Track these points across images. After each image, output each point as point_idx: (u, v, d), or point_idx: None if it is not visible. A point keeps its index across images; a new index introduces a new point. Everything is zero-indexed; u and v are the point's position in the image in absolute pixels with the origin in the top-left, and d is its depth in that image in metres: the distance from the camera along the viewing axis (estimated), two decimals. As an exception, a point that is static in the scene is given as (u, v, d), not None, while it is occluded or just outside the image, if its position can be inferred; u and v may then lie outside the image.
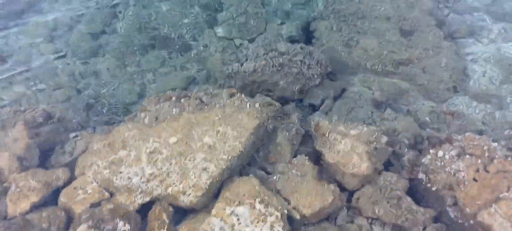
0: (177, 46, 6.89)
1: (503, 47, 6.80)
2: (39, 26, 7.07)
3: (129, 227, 3.96)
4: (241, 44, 6.85)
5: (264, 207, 3.98)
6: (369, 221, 4.41)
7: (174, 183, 4.22)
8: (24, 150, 4.71)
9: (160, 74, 6.49)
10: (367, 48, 6.64)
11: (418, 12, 7.23)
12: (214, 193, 4.32)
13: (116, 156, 4.55)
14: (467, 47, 6.84)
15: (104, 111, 5.92)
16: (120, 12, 7.42)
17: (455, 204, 4.33)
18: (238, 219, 3.90)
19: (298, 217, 4.19)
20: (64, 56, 6.65)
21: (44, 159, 4.88)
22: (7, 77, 6.22)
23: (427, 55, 6.54)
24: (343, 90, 6.17)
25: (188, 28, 7.13)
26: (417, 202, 4.46)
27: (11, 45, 6.76)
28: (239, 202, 4.05)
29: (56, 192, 4.36)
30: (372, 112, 5.64)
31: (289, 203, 4.29)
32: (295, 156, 4.85)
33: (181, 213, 4.26)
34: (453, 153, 4.63)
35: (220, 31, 7.11)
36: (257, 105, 5.03)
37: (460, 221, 4.27)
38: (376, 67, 6.43)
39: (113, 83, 6.30)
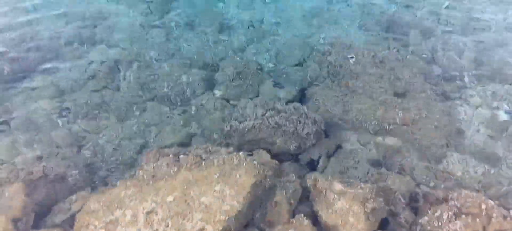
0: (177, 105, 7.07)
1: (494, 105, 7.00)
2: (44, 85, 7.26)
3: None
4: (239, 103, 7.03)
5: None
6: None
7: (170, 244, 4.18)
8: (21, 210, 4.69)
9: (160, 131, 6.59)
10: (361, 108, 6.83)
11: (410, 73, 7.50)
12: (211, 254, 4.26)
13: (113, 217, 4.53)
14: (459, 106, 7.03)
15: (103, 169, 5.95)
16: (122, 71, 7.67)
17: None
18: None
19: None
20: (66, 114, 6.78)
21: (41, 218, 4.84)
22: (7, 135, 6.31)
23: (421, 114, 6.71)
24: (339, 148, 6.27)
25: (187, 87, 7.34)
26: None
27: (15, 103, 6.91)
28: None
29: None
30: (368, 170, 5.70)
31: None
32: (293, 215, 4.84)
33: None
34: (451, 212, 4.64)
35: (218, 90, 7.32)
36: (255, 163, 5.09)
37: None
38: (371, 127, 6.57)
39: (112, 141, 6.38)
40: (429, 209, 4.82)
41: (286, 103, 6.78)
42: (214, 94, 7.23)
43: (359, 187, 4.92)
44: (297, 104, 6.56)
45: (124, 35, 8.44)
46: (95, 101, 7.02)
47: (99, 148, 6.27)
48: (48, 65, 7.71)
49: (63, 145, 6.26)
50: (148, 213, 4.49)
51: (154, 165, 5.22)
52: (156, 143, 6.35)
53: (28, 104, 6.89)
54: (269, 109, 6.39)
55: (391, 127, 6.53)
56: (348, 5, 9.33)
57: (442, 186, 5.58)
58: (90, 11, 9.08)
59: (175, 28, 8.67)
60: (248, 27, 8.71)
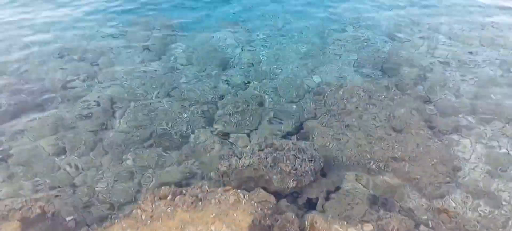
0: (174, 142, 7.08)
1: (490, 143, 7.03)
2: (43, 124, 7.30)
3: None
4: (236, 140, 7.06)
5: None
6: None
7: None
8: (16, 250, 4.62)
9: (157, 169, 6.57)
10: (359, 145, 6.85)
11: (406, 110, 7.58)
12: None
13: (108, 257, 4.47)
14: (457, 143, 7.06)
15: (99, 208, 5.89)
16: (120, 108, 7.73)
17: None
18: None
19: None
20: (63, 152, 6.78)
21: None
22: (5, 173, 6.29)
23: (418, 152, 6.73)
24: (338, 187, 6.24)
25: (185, 124, 7.38)
26: None
27: (12, 140, 6.92)
28: None
29: None
30: (367, 210, 5.66)
31: None
32: (291, 257, 4.78)
33: None
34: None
35: (216, 127, 7.36)
36: (252, 202, 5.06)
37: None
38: (369, 164, 6.57)
39: (110, 180, 6.34)
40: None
41: (284, 139, 6.82)
42: (212, 130, 7.26)
43: (359, 228, 4.88)
44: (295, 141, 6.58)
45: (123, 72, 8.57)
46: (92, 140, 7.03)
47: (96, 187, 6.23)
48: (46, 103, 7.78)
49: (59, 183, 6.22)
50: (143, 254, 4.43)
51: (151, 204, 5.18)
52: (153, 182, 6.31)
53: (25, 142, 6.90)
54: (266, 146, 6.41)
55: (389, 164, 6.54)
56: (343, 44, 9.53)
57: (442, 225, 5.53)
58: (89, 47, 9.27)
59: (174, 66, 8.82)
60: (247, 66, 8.86)
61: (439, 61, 9.00)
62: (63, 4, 11.03)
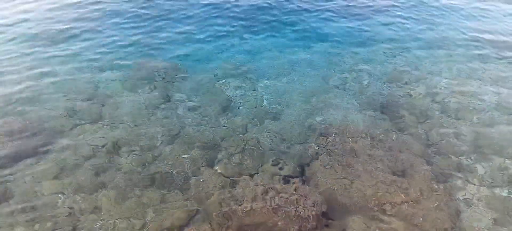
0: (177, 184, 7.08)
1: (493, 187, 7.02)
2: (47, 163, 7.36)
3: None
4: (238, 183, 7.05)
5: None
6: None
7: None
8: None
9: (159, 211, 6.54)
10: (362, 189, 6.84)
11: (408, 154, 7.62)
12: None
13: None
14: (459, 188, 7.04)
15: (99, 253, 5.84)
16: (123, 150, 7.79)
17: None
18: None
19: None
20: (66, 193, 6.79)
21: None
22: (8, 217, 6.27)
23: (421, 196, 6.71)
24: (342, 231, 6.18)
25: (188, 166, 7.41)
26: None
27: (17, 184, 6.95)
28: None
29: None
30: (371, 256, 5.58)
31: None
32: None
33: None
34: None
35: (218, 169, 7.39)
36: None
37: None
38: (372, 208, 6.53)
39: (111, 221, 6.31)
40: None
41: (286, 182, 6.81)
42: (214, 173, 7.27)
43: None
44: (298, 184, 6.58)
45: (128, 115, 8.69)
46: (95, 181, 7.05)
47: (98, 228, 6.19)
48: (51, 144, 7.86)
49: (62, 224, 6.19)
50: None
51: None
52: (155, 224, 6.27)
53: (30, 183, 6.93)
54: (269, 189, 6.41)
55: (392, 208, 6.50)
56: (344, 87, 9.68)
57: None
58: (95, 89, 9.45)
59: (178, 108, 8.95)
60: (250, 108, 8.98)
61: (439, 103, 9.10)
62: (69, 44, 11.32)
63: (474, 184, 7.08)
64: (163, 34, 11.98)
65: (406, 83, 9.79)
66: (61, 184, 6.99)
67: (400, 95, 9.37)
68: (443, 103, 9.12)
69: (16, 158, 7.51)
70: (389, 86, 9.69)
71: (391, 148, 7.80)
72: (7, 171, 7.20)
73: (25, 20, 12.65)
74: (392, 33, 12.19)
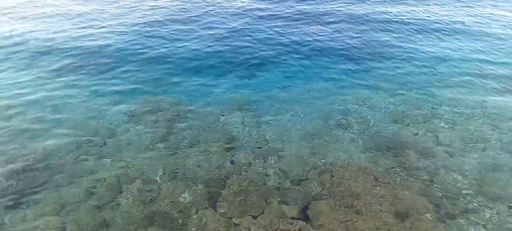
0: (177, 225, 6.99)
1: (499, 225, 6.93)
2: (48, 201, 7.32)
3: None
4: (241, 223, 6.96)
5: None
6: None
7: None
8: None
9: (159, 252, 6.45)
10: (365, 230, 6.75)
11: (411, 193, 7.56)
12: None
13: None
14: (464, 227, 6.94)
15: None
16: (125, 188, 7.75)
17: None
18: None
19: None
20: (67, 232, 6.75)
21: None
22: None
23: (425, 237, 6.62)
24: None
25: (189, 205, 7.35)
26: None
27: (17, 219, 6.89)
28: None
29: None
30: None
31: None
32: None
33: None
34: None
35: (221, 208, 7.31)
36: None
37: None
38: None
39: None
40: None
41: (290, 223, 6.73)
42: (216, 212, 7.20)
43: None
44: (302, 225, 6.49)
45: (130, 151, 8.70)
46: (96, 219, 6.98)
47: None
48: (51, 180, 7.84)
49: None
50: None
51: None
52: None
53: (31, 221, 6.87)
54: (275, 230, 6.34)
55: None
56: (347, 125, 9.74)
57: None
58: (98, 125, 9.50)
59: (181, 145, 8.97)
60: (253, 145, 9.00)
61: (441, 143, 9.11)
62: (75, 78, 11.48)
63: (480, 225, 6.98)
64: (167, 71, 12.16)
65: (408, 124, 9.83)
66: (62, 221, 6.93)
67: (402, 134, 9.39)
68: (446, 143, 9.12)
69: (18, 193, 7.48)
70: (391, 125, 9.74)
71: (395, 187, 7.75)
72: (6, 207, 7.16)
73: (30, 51, 12.91)
74: (392, 72, 12.36)
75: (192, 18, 16.07)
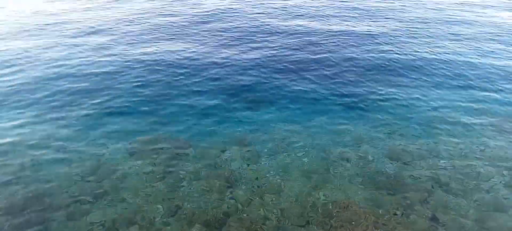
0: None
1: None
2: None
3: None
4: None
5: None
6: None
7: None
8: None
9: None
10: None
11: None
12: None
13: None
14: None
15: None
16: (123, 229, 7.66)
17: None
18: None
19: None
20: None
21: None
22: None
23: None
24: None
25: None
26: None
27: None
28: None
29: None
30: None
31: None
32: None
33: None
34: None
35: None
36: None
37: None
38: None
39: None
40: None
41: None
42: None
43: None
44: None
45: (129, 190, 8.65)
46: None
47: None
48: (48, 221, 7.75)
49: None
50: None
51: None
52: None
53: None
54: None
55: None
56: (346, 163, 9.73)
57: None
58: (97, 165, 9.47)
59: (180, 184, 8.92)
60: (252, 184, 8.96)
61: (442, 183, 9.06)
62: (73, 120, 11.51)
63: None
64: (167, 108, 12.22)
65: (408, 161, 9.82)
66: (58, 265, 6.82)
67: (403, 174, 9.37)
68: (447, 183, 9.07)
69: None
70: (391, 164, 9.72)
71: (396, 228, 7.67)
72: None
73: (30, 88, 13.03)
74: (391, 110, 12.41)
75: (193, 58, 16.28)
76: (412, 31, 19.72)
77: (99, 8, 23.28)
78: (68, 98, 12.59)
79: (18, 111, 11.74)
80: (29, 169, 9.19)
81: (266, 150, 10.20)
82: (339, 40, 18.37)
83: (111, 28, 19.68)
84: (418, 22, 21.09)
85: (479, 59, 16.31)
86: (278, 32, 19.34)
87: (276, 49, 17.20)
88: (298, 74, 14.81)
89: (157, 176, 9.10)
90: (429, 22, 21.01)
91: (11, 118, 11.34)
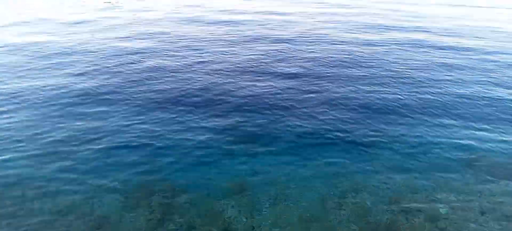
0: None
1: None
2: None
3: None
4: None
5: None
6: None
7: None
8: None
9: None
10: None
11: None
12: None
13: None
14: None
15: None
16: None
17: None
18: None
19: None
20: None
21: None
22: None
23: None
24: None
25: None
26: None
27: None
28: None
29: None
30: None
31: None
32: None
33: None
34: None
35: None
36: None
37: None
38: None
39: None
40: None
41: None
42: None
43: None
44: None
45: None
46: None
47: None
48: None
49: None
50: None
51: None
52: None
53: None
54: None
55: None
56: (344, 209, 9.61)
57: None
58: (92, 212, 9.28)
59: (175, 233, 8.76)
60: (248, 234, 8.82)
61: (442, 230, 8.97)
62: (67, 164, 11.39)
63: None
64: (162, 156, 12.11)
65: (406, 210, 9.73)
66: None
67: (401, 223, 9.25)
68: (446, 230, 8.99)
69: None
70: (389, 212, 9.61)
71: None
72: None
73: (28, 136, 12.93)
74: (389, 157, 12.40)
75: (196, 102, 16.35)
76: (410, 74, 20.06)
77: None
78: (60, 147, 12.48)
79: (4, 151, 11.57)
80: (11, 216, 8.96)
81: (263, 197, 10.06)
82: (336, 80, 18.59)
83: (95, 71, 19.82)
84: (422, 67, 21.48)
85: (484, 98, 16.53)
86: (274, 73, 19.57)
87: (272, 88, 17.34)
88: (295, 114, 14.86)
89: (150, 226, 8.90)
90: (429, 68, 21.40)
91: (6, 164, 11.16)
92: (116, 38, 24.69)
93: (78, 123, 13.64)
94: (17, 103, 15.08)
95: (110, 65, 19.62)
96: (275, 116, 14.77)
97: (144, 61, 20.58)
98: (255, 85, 17.82)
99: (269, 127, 13.91)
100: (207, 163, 11.54)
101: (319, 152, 12.27)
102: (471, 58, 22.33)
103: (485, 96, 16.98)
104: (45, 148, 11.96)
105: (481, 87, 18.08)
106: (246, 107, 15.38)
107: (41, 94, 15.99)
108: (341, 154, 12.31)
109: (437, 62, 21.58)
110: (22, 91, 16.20)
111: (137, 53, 21.90)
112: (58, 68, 19.14)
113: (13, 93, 16.02)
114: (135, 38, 24.77)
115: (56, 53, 21.27)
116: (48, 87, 16.69)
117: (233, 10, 34.91)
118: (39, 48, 21.99)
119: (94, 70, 19.16)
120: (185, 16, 31.67)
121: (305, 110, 15.30)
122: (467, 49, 24.12)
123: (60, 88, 16.72)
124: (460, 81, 18.90)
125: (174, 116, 14.45)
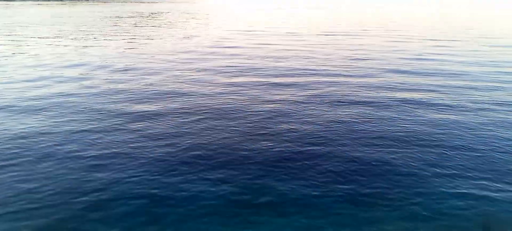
0: None
1: None
2: None
3: None
4: None
5: None
6: None
7: None
8: None
9: None
10: None
11: None
12: None
13: None
14: None
15: None
16: None
17: None
18: None
19: None
20: None
21: None
22: None
23: None
24: None
25: None
26: None
27: None
28: None
29: None
30: None
31: None
32: None
33: None
34: None
35: None
36: None
37: None
38: None
39: None
40: None
41: None
42: None
43: None
44: None
45: None
46: None
47: None
48: None
49: None
50: None
51: None
52: None
53: None
54: None
55: None
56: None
57: None
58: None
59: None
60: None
61: None
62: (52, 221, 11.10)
63: None
64: (159, 218, 11.80)
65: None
66: None
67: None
68: None
69: None
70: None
71: None
72: None
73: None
74: (391, 217, 11.95)
75: (199, 162, 16.21)
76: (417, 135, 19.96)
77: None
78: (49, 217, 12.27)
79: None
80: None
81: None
82: (340, 139, 18.49)
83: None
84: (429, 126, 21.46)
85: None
86: (276, 134, 19.55)
87: (276, 149, 17.22)
88: (300, 176, 14.59)
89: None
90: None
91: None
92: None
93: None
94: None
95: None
96: (278, 179, 14.51)
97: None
98: (254, 148, 17.80)
99: (272, 191, 13.60)
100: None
101: (324, 215, 11.83)
102: None
103: None
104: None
105: None
106: (247, 181, 15.19)
107: None
108: (349, 215, 11.84)
109: None
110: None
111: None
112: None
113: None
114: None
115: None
116: None
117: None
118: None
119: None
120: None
121: (304, 177, 15.04)
122: None
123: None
124: None
125: (167, 183, 14.25)
